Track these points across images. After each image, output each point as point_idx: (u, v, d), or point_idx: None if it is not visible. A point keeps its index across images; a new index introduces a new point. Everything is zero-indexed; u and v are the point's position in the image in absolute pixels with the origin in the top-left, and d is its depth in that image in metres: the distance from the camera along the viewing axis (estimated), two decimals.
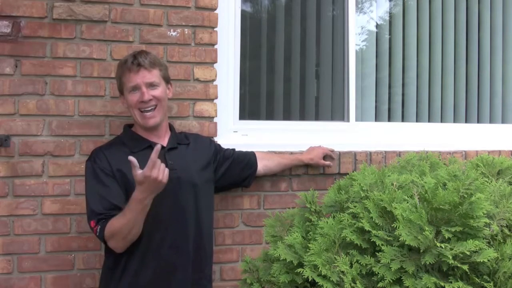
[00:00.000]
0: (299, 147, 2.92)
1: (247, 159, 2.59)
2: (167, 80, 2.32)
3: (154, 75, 2.21)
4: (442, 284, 1.59)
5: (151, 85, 2.20)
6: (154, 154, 1.95)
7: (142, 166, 2.01)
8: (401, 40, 3.43)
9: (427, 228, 1.65)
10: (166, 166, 2.12)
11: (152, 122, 2.23)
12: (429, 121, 3.46)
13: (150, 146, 2.19)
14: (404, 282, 1.64)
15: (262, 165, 2.64)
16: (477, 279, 1.62)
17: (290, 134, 3.01)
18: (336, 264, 1.75)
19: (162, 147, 2.21)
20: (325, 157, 2.82)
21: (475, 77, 3.57)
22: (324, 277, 1.74)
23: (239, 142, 2.84)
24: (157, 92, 2.22)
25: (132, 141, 2.26)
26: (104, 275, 2.24)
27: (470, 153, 3.14)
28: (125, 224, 2.02)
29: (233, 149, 2.60)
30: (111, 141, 2.33)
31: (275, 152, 2.80)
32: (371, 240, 1.75)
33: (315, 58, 3.29)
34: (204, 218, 2.31)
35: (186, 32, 2.68)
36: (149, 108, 2.21)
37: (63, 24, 2.51)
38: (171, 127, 2.39)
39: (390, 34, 3.46)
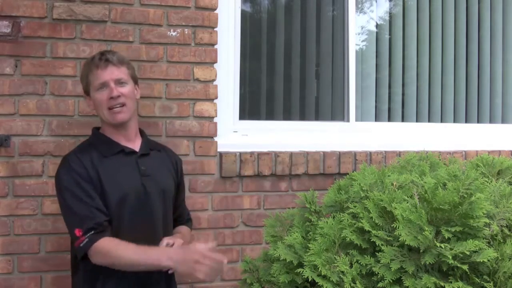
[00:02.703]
0: (299, 147, 2.93)
1: (181, 212, 2.41)
2: (135, 80, 2.23)
3: (122, 72, 2.14)
4: (442, 284, 1.59)
5: (119, 82, 2.12)
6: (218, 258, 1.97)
7: (114, 170, 2.07)
8: (401, 40, 3.43)
9: (427, 228, 1.65)
10: (138, 171, 2.14)
11: (120, 118, 2.12)
12: (429, 121, 3.46)
13: (123, 150, 2.15)
14: (404, 282, 1.64)
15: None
16: (477, 279, 1.62)
17: (290, 134, 3.01)
18: (336, 264, 1.74)
19: (134, 152, 2.18)
20: None
21: (475, 77, 3.57)
22: (324, 277, 1.74)
23: (239, 142, 2.84)
24: (125, 89, 2.13)
25: (103, 144, 2.17)
26: None
27: (470, 153, 3.14)
28: (130, 263, 1.96)
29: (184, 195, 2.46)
30: (81, 146, 2.22)
31: (275, 152, 2.80)
32: (371, 240, 1.75)
33: (315, 58, 3.29)
34: (169, 226, 2.26)
35: (186, 32, 2.68)
36: (118, 105, 2.11)
37: (63, 24, 2.51)
38: (142, 133, 2.29)
39: (390, 34, 3.46)
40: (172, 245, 2.07)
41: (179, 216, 2.38)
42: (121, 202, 2.08)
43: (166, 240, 2.08)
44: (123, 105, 2.12)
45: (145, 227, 2.14)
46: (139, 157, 2.18)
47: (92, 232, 1.98)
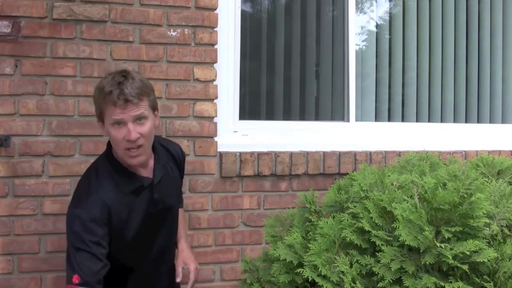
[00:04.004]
0: (299, 147, 2.93)
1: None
2: (155, 107, 2.05)
3: (142, 108, 1.94)
4: (442, 284, 1.59)
5: (139, 119, 1.94)
6: None
7: (132, 207, 2.03)
8: (401, 40, 3.44)
9: (427, 228, 1.65)
10: (152, 200, 2.08)
11: (137, 161, 2.00)
12: (429, 121, 3.46)
13: (142, 185, 2.06)
14: (404, 282, 1.64)
15: None
16: (477, 279, 1.62)
17: (290, 134, 3.01)
18: (336, 264, 1.74)
19: (151, 182, 2.08)
20: None
21: (475, 77, 3.57)
22: (324, 277, 1.74)
23: (239, 142, 2.84)
24: (145, 128, 1.95)
25: (122, 178, 2.03)
26: None
27: (470, 153, 3.14)
28: None
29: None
30: (101, 179, 2.03)
31: (275, 152, 2.81)
32: (371, 240, 1.75)
33: (315, 58, 3.29)
34: (174, 234, 2.31)
35: (186, 32, 2.68)
36: (135, 147, 1.96)
37: (63, 24, 2.51)
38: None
39: (390, 34, 3.46)
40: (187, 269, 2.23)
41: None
42: (131, 240, 2.07)
43: (180, 268, 2.23)
44: (140, 146, 1.96)
45: (147, 243, 2.15)
46: (154, 186, 2.09)
47: (94, 280, 1.96)
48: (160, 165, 2.13)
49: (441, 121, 3.48)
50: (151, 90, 2.03)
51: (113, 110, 1.91)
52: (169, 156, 2.24)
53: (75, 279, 1.96)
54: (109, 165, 2.06)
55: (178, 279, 2.21)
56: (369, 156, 2.97)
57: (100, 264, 1.97)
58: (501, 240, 1.73)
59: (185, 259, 2.27)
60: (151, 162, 2.11)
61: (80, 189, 2.06)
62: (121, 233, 2.04)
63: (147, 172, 2.09)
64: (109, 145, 2.08)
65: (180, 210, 2.42)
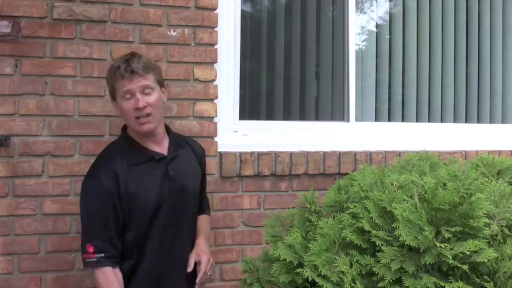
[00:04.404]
0: (299, 147, 2.93)
1: (201, 200, 2.45)
2: (162, 83, 2.23)
3: (148, 80, 2.13)
4: (442, 284, 1.59)
5: (146, 91, 2.12)
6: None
7: (145, 181, 2.12)
8: (401, 40, 3.44)
9: (427, 228, 1.65)
10: (167, 176, 2.18)
11: (147, 128, 2.14)
12: (429, 121, 3.47)
13: (153, 158, 2.18)
14: (404, 282, 1.64)
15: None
16: (477, 279, 1.62)
17: (290, 134, 3.01)
18: (336, 264, 1.74)
19: (164, 157, 2.20)
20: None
21: (475, 77, 3.57)
22: (324, 277, 1.74)
23: (239, 142, 2.84)
24: (152, 98, 2.13)
25: (133, 151, 2.19)
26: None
27: (470, 153, 3.14)
28: None
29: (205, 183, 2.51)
30: (110, 152, 2.22)
31: (275, 152, 2.81)
32: (371, 240, 1.75)
33: (315, 58, 3.29)
34: (195, 219, 2.34)
35: (186, 32, 2.68)
36: (144, 115, 2.12)
37: (63, 24, 2.51)
38: (167, 129, 2.32)
39: (390, 34, 3.46)
40: (199, 261, 2.20)
41: (201, 208, 2.43)
42: (150, 211, 2.14)
43: (193, 259, 2.20)
44: (149, 115, 2.12)
45: (172, 226, 2.20)
46: (168, 161, 2.21)
47: (102, 255, 2.07)
48: (175, 146, 2.27)
49: (441, 121, 3.48)
50: (158, 68, 2.23)
51: (122, 83, 2.11)
52: (188, 147, 2.35)
53: (89, 247, 2.08)
54: (122, 140, 2.24)
55: (188, 269, 2.19)
56: (369, 156, 2.97)
57: (112, 231, 2.09)
58: (501, 240, 1.73)
59: (199, 251, 2.26)
60: (166, 142, 2.25)
61: (93, 163, 2.23)
62: (134, 203, 2.12)
63: (160, 149, 2.22)
64: (123, 128, 2.27)
65: (207, 217, 2.45)
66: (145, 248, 2.15)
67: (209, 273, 2.24)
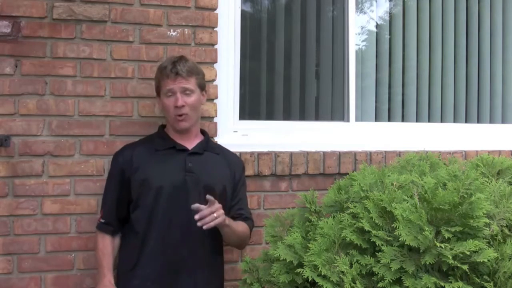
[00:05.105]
0: (299, 147, 2.92)
1: (240, 209, 2.45)
2: (202, 87, 2.41)
3: (189, 83, 2.32)
4: (442, 284, 1.59)
5: (186, 92, 2.31)
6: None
7: (161, 162, 2.31)
8: (401, 40, 3.43)
9: (427, 228, 1.65)
10: (185, 167, 2.32)
11: (183, 126, 2.34)
12: (429, 121, 3.46)
13: (174, 147, 2.36)
14: (404, 282, 1.64)
15: None
16: (477, 279, 1.63)
17: (290, 134, 3.01)
18: (336, 264, 1.75)
19: (186, 149, 2.36)
20: None
21: (475, 77, 3.57)
22: (324, 277, 1.74)
23: (239, 142, 2.84)
24: (191, 99, 2.32)
25: (159, 139, 2.41)
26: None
27: (470, 153, 3.14)
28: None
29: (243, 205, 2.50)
30: (144, 138, 2.47)
31: (275, 152, 2.81)
32: (371, 240, 1.75)
33: (315, 58, 3.29)
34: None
35: (186, 32, 2.69)
36: (182, 114, 2.31)
37: (63, 24, 2.51)
38: (204, 134, 2.47)
39: (390, 34, 3.46)
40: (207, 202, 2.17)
41: (239, 214, 2.42)
42: (157, 191, 2.29)
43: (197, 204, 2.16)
44: (186, 114, 2.32)
45: (181, 221, 2.27)
46: (189, 154, 2.36)
47: (104, 221, 2.37)
48: (203, 146, 2.42)
49: (441, 121, 3.48)
50: (201, 73, 2.42)
51: (166, 82, 2.32)
52: (221, 154, 2.47)
53: (101, 211, 2.41)
54: (155, 133, 2.48)
55: (192, 206, 2.12)
56: (369, 156, 2.97)
57: (113, 204, 2.35)
58: (501, 240, 1.73)
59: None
60: (196, 142, 2.42)
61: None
62: (145, 184, 2.30)
63: (187, 144, 2.39)
64: (160, 126, 2.49)
65: (245, 224, 2.41)
66: (151, 223, 2.28)
67: (215, 214, 2.14)
